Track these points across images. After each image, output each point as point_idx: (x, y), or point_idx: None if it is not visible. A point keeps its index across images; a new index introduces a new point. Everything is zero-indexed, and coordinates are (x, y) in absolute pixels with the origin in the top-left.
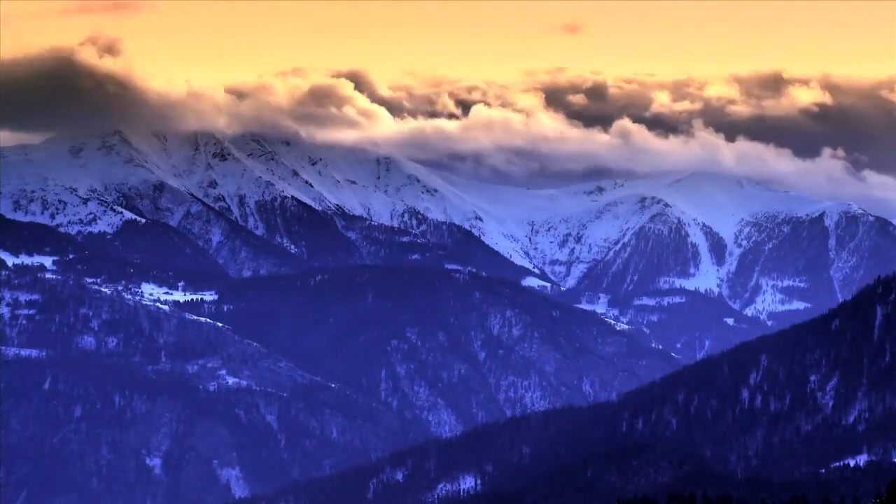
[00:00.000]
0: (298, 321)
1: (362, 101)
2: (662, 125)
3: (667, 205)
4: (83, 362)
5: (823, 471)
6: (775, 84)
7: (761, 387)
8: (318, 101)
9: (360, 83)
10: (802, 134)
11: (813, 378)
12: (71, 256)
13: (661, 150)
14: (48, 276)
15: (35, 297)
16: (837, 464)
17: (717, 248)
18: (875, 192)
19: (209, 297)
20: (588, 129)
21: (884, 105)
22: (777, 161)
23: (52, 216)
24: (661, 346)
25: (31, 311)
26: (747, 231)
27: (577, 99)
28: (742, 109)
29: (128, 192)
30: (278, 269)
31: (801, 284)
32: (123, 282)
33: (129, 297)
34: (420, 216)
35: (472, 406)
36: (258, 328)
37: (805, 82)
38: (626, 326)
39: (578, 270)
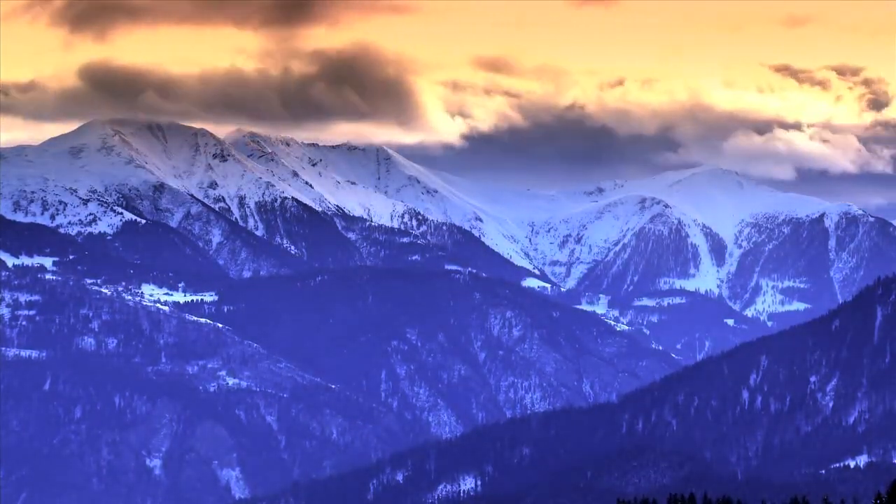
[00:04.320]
0: (298, 322)
1: None
2: None
3: (667, 205)
4: (83, 363)
5: (823, 471)
6: None
7: (761, 387)
8: None
9: None
10: None
11: (813, 379)
12: (71, 257)
13: None
14: (48, 276)
15: (35, 297)
16: (837, 464)
17: (717, 249)
18: None
19: (209, 297)
20: None
21: None
22: None
23: (53, 217)
24: (661, 347)
25: (32, 312)
26: (747, 232)
27: None
28: None
29: (128, 193)
30: (278, 270)
31: (802, 285)
32: (123, 283)
33: (130, 297)
34: (420, 217)
35: (472, 407)
36: (258, 329)
37: None
38: (627, 327)
39: (578, 271)
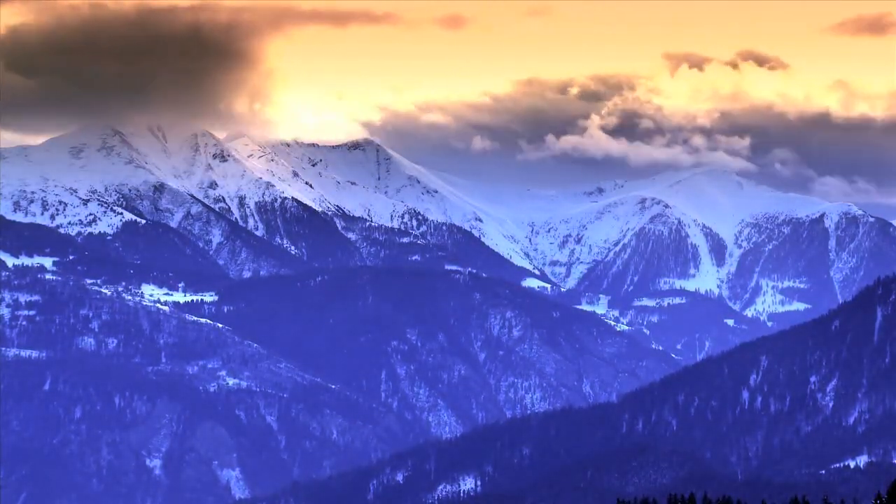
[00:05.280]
0: (298, 322)
1: None
2: None
3: (667, 205)
4: (83, 363)
5: (823, 472)
6: None
7: (761, 388)
8: None
9: None
10: None
11: (813, 379)
12: (71, 257)
13: None
14: (48, 276)
15: (35, 297)
16: (837, 465)
17: (718, 249)
18: None
19: (209, 298)
20: None
21: None
22: None
23: (53, 217)
24: (661, 347)
25: (32, 312)
26: (747, 232)
27: None
28: None
29: (128, 194)
30: (278, 270)
31: (802, 285)
32: (123, 283)
33: (130, 298)
34: (420, 217)
35: (472, 407)
36: (258, 329)
37: None
38: (627, 327)
39: (578, 271)
